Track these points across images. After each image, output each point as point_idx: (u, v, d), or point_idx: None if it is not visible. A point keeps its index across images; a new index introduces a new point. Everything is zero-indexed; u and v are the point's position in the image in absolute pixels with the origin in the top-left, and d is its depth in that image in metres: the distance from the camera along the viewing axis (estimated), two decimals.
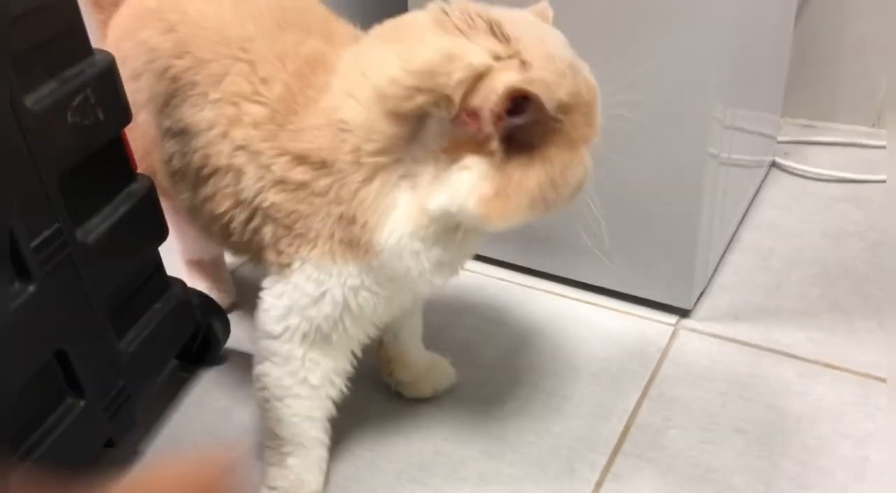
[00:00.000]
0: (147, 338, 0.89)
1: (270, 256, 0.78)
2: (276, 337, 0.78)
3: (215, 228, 0.83)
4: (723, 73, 0.95)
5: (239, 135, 0.76)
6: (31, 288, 0.72)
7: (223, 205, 0.79)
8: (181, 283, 0.97)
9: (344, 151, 0.71)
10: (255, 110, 0.75)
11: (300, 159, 0.73)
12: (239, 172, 0.76)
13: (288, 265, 0.76)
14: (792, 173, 1.40)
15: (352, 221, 0.72)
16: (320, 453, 0.85)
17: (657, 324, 1.09)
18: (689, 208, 1.01)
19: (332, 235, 0.73)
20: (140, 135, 0.88)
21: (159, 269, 0.93)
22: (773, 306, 1.10)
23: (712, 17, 0.90)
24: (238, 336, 1.09)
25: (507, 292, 1.15)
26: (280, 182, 0.74)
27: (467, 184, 0.68)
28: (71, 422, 0.79)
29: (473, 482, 0.88)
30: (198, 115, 0.79)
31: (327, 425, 0.84)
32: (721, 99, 0.97)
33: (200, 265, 1.13)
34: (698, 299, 1.12)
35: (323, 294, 0.75)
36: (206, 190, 0.80)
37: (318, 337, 0.77)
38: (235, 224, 0.79)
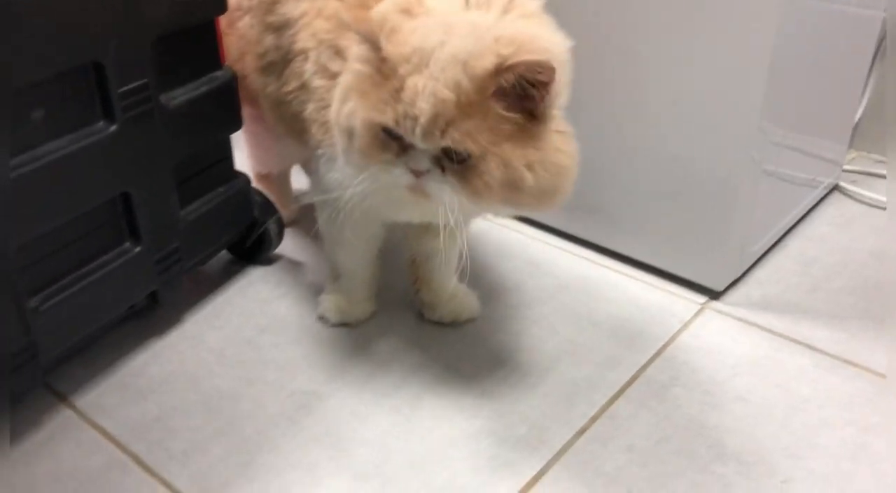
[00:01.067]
0: (206, 214, 0.98)
1: (311, 140, 0.88)
2: (318, 201, 0.94)
3: (286, 113, 0.92)
4: (771, 96, 0.98)
5: (317, 24, 0.85)
6: (113, 128, 0.82)
7: (292, 85, 0.87)
8: (246, 178, 1.06)
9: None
10: (333, 5, 0.84)
11: (339, 53, 0.81)
12: (306, 57, 0.85)
13: (317, 148, 0.87)
14: (854, 198, 1.40)
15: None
16: (362, 278, 1.02)
17: (684, 300, 1.11)
18: (727, 199, 1.04)
19: None
20: (238, 37, 0.99)
21: (228, 158, 1.03)
22: (804, 305, 1.11)
23: (760, 46, 0.94)
24: (290, 246, 1.17)
25: (545, 252, 1.20)
26: (324, 69, 0.83)
27: None
28: (124, 262, 0.88)
29: (475, 396, 0.92)
30: (296, 8, 0.89)
31: (370, 261, 1.00)
32: (768, 117, 1.00)
33: (268, 180, 1.22)
34: (731, 285, 1.13)
35: (331, 181, 0.85)
36: (286, 73, 0.90)
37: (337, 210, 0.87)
38: (296, 104, 0.88)
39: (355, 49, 0.75)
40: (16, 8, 0.69)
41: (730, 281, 1.13)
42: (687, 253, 1.12)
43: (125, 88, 0.82)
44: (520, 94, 0.69)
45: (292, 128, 0.92)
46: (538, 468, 0.84)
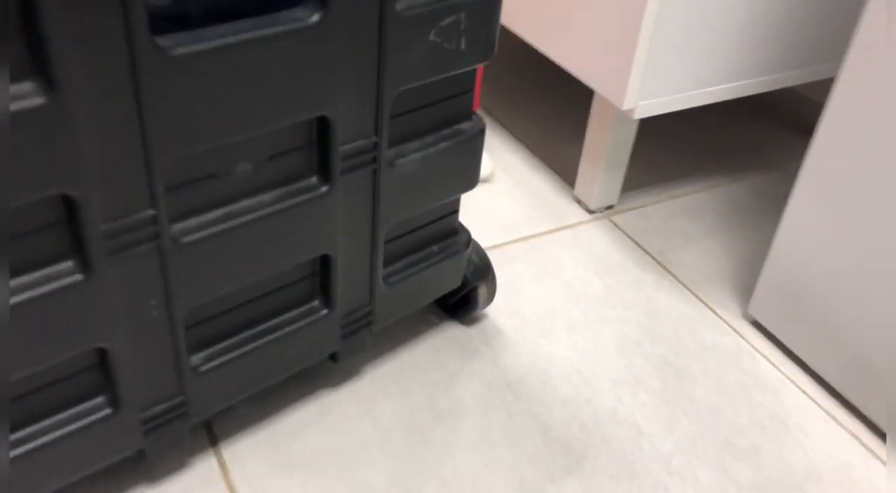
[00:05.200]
0: (410, 276, 0.85)
1: None
2: None
3: None
4: None
5: None
6: (324, 188, 0.70)
7: None
8: (468, 236, 0.91)
9: None
10: None
11: None
12: None
13: None
14: None
15: None
16: None
17: None
18: None
19: None
20: None
21: (453, 213, 0.88)
22: None
23: None
24: (499, 306, 1.03)
25: (803, 409, 0.95)
26: None
27: None
28: (307, 324, 0.78)
29: None
30: None
31: None
32: None
33: None
34: None
35: None
36: None
37: None
38: None
39: None
40: (237, 55, 0.57)
41: None
42: None
43: (349, 147, 0.69)
44: None
45: None
46: None
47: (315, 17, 0.60)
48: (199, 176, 0.63)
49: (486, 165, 1.24)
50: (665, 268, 1.12)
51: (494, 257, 1.11)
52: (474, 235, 1.15)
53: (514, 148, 1.35)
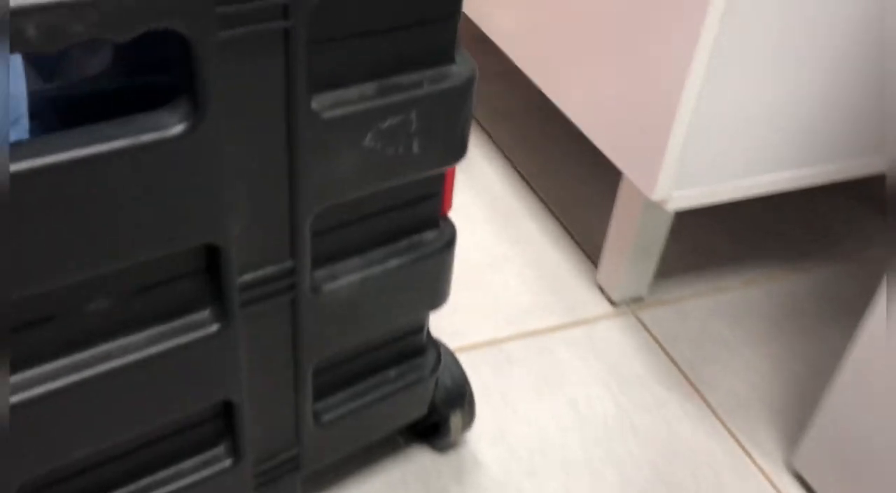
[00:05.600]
0: (352, 412, 0.68)
1: None
2: None
3: None
4: None
5: None
6: (215, 328, 0.54)
7: None
8: (437, 355, 0.73)
9: None
10: None
11: None
12: None
13: None
14: None
15: None
16: None
17: None
18: None
19: None
20: None
21: (419, 331, 0.71)
22: None
23: None
24: (483, 430, 0.85)
25: None
26: None
27: None
28: (207, 476, 0.62)
29: None
30: None
31: None
32: None
33: None
34: None
35: None
36: None
37: None
38: None
39: None
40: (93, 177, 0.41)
41: None
42: None
43: (253, 275, 0.53)
44: None
45: None
46: None
47: (180, 127, 0.43)
48: (29, 319, 0.47)
49: None
50: (695, 387, 0.92)
51: (490, 357, 0.93)
52: (470, 325, 0.97)
53: (536, 211, 1.16)
